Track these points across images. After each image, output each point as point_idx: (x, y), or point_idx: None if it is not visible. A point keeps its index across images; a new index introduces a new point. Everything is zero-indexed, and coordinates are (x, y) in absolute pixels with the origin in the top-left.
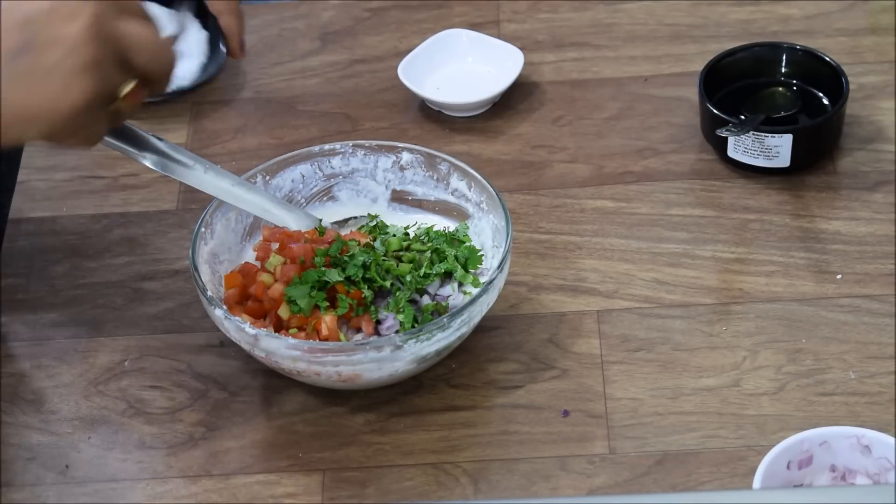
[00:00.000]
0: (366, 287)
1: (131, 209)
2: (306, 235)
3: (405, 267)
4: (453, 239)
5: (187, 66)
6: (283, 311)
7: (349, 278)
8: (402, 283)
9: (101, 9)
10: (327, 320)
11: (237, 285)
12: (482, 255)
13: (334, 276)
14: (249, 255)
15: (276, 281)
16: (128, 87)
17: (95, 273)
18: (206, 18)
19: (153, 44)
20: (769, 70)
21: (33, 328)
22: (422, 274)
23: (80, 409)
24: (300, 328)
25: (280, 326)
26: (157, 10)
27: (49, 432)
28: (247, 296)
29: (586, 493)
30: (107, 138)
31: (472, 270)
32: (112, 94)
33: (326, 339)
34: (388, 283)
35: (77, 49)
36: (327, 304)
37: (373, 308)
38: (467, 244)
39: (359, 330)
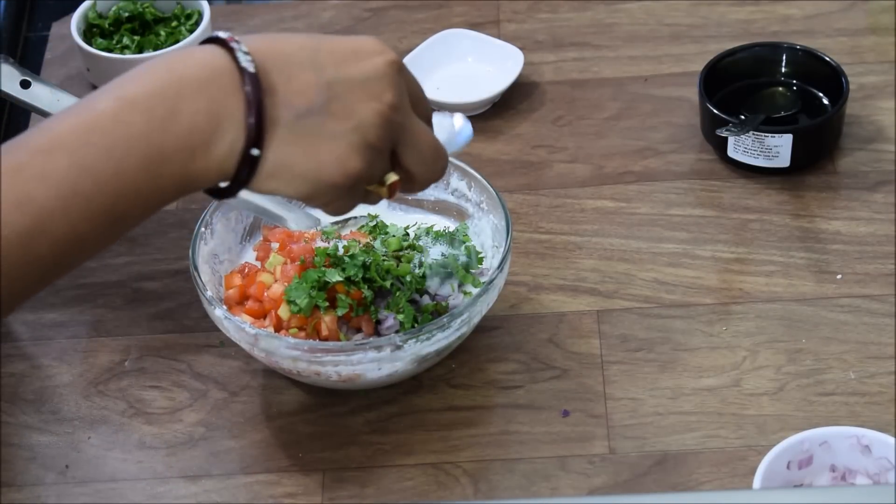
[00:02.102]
0: (366, 287)
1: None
2: (306, 235)
3: (405, 267)
4: (453, 239)
5: None
6: (283, 311)
7: (349, 278)
8: (402, 283)
9: (401, 100)
10: (327, 320)
11: (237, 285)
12: (482, 255)
13: (334, 276)
14: (249, 255)
15: (276, 281)
16: (391, 179)
17: (95, 273)
18: None
19: (428, 149)
20: (769, 70)
21: (33, 328)
22: (420, 274)
23: (80, 409)
24: (300, 328)
25: (280, 326)
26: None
27: (49, 432)
28: (247, 296)
29: (586, 493)
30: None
31: (472, 270)
32: (375, 179)
33: (326, 339)
34: (388, 284)
35: (366, 128)
36: (327, 304)
37: (373, 308)
38: (467, 244)
39: (359, 330)
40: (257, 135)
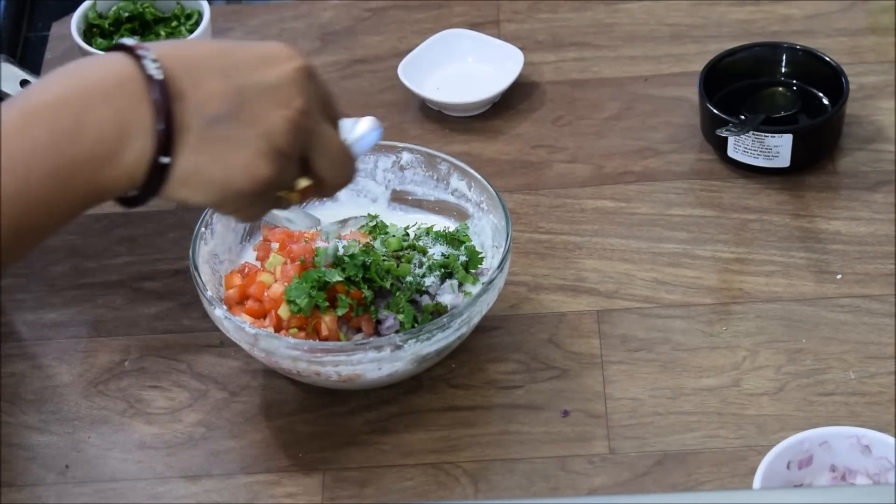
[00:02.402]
0: (366, 287)
1: (131, 209)
2: (306, 235)
3: (405, 267)
4: (453, 239)
5: None
6: (283, 311)
7: (349, 278)
8: (402, 283)
9: (310, 105)
10: (327, 320)
11: (237, 285)
12: (482, 255)
13: (334, 276)
14: (249, 255)
15: (275, 281)
16: (302, 185)
17: (95, 273)
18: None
19: (338, 154)
20: (769, 70)
21: (33, 328)
22: (421, 274)
23: (80, 409)
24: (300, 328)
25: (280, 326)
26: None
27: (49, 432)
28: (247, 296)
29: (586, 493)
30: None
31: (472, 270)
32: (285, 185)
33: (326, 339)
34: (387, 284)
35: (275, 134)
36: (327, 304)
37: (373, 308)
38: (467, 244)
39: (359, 330)
40: (166, 142)
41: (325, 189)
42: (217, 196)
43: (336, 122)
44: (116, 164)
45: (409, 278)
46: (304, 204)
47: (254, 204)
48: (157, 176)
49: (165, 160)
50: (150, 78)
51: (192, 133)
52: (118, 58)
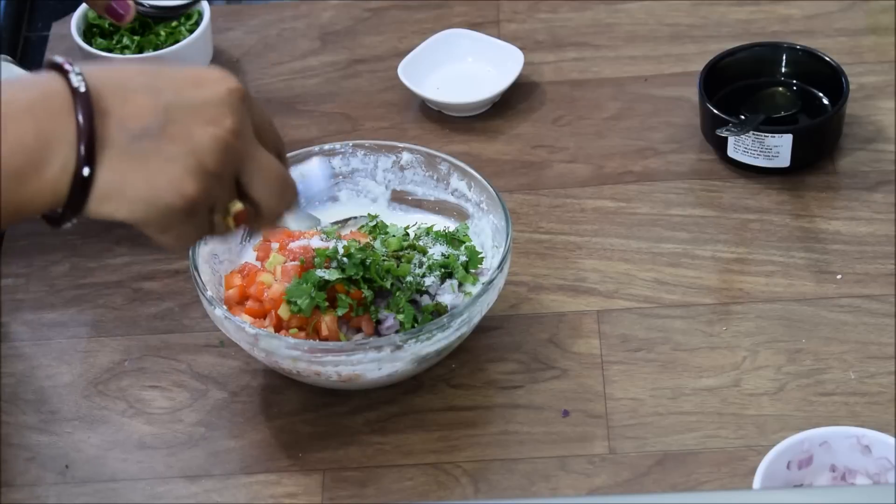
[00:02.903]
0: (366, 287)
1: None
2: (306, 235)
3: (405, 267)
4: (453, 239)
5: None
6: (283, 311)
7: (349, 278)
8: (402, 283)
9: (242, 126)
10: (327, 320)
11: (237, 285)
12: (482, 255)
13: (334, 275)
14: (249, 255)
15: (276, 281)
16: (236, 208)
17: (95, 273)
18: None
19: (274, 179)
20: (769, 70)
21: (33, 328)
22: (421, 274)
23: (80, 409)
24: (300, 328)
25: (280, 326)
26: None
27: (49, 432)
28: (247, 296)
29: (586, 493)
30: None
31: (471, 270)
32: (217, 208)
33: (326, 339)
34: (387, 284)
35: (203, 153)
36: (327, 304)
37: (373, 308)
38: (467, 244)
39: (359, 330)
40: (88, 156)
41: (261, 215)
42: (142, 213)
43: (277, 149)
44: (39, 177)
45: (409, 278)
46: (294, 212)
47: (182, 223)
48: (79, 190)
49: (87, 171)
50: (75, 91)
51: (115, 147)
52: (46, 74)
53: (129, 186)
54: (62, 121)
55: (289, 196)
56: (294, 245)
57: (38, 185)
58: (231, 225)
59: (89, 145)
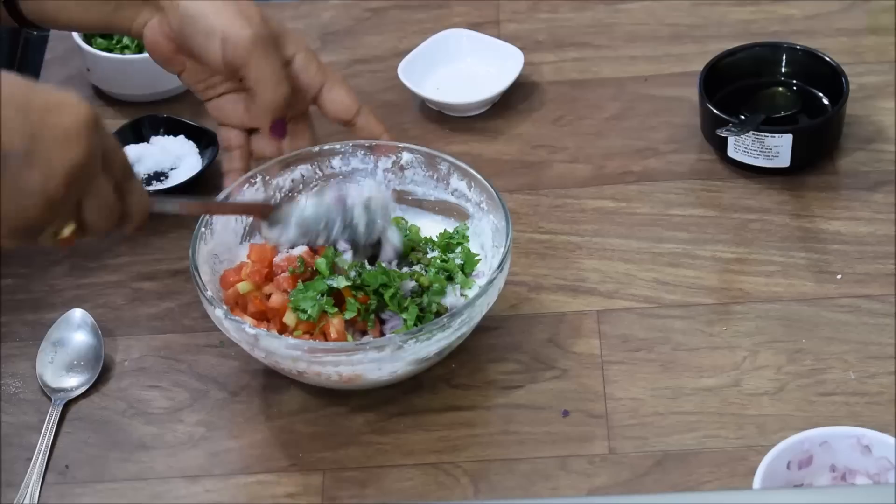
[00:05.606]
0: (372, 293)
1: None
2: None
3: (406, 273)
4: (448, 243)
5: None
6: (289, 318)
7: (356, 285)
8: (402, 285)
9: (94, 156)
10: (335, 322)
11: (234, 281)
12: (479, 258)
13: (341, 282)
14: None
15: (276, 291)
16: (65, 232)
17: (95, 273)
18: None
19: (106, 208)
20: (769, 70)
21: (33, 328)
22: (421, 275)
23: (81, 409)
24: (307, 332)
25: (285, 332)
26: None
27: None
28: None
29: (586, 493)
30: None
31: (469, 273)
32: (49, 227)
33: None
34: (389, 293)
35: (54, 181)
36: (336, 309)
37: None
38: (463, 245)
39: (364, 333)
40: None
41: (86, 232)
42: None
43: (123, 171)
44: None
45: (410, 281)
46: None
47: (12, 239)
48: None
49: None
50: None
51: None
52: None
53: None
54: None
55: (113, 221)
56: (278, 259)
57: None
58: (54, 243)
59: None
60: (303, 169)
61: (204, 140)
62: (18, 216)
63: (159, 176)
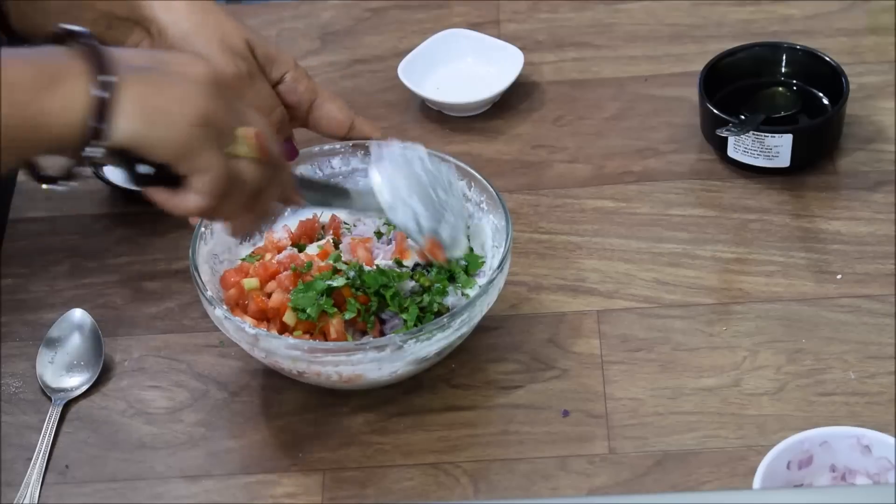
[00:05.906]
0: (372, 294)
1: (131, 209)
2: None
3: (405, 273)
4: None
5: None
6: (289, 318)
7: (355, 285)
8: (402, 286)
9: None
10: (335, 322)
11: (234, 281)
12: (482, 260)
13: (341, 282)
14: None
15: (276, 289)
16: (244, 132)
17: (95, 273)
18: None
19: (267, 110)
20: (769, 70)
21: (33, 328)
22: (421, 276)
23: (81, 409)
24: (307, 332)
25: (285, 332)
26: None
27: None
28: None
29: (586, 493)
30: None
31: (472, 274)
32: (224, 135)
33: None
34: (389, 293)
35: (202, 78)
36: (335, 309)
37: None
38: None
39: (364, 333)
40: (102, 72)
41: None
42: (163, 132)
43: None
44: (53, 93)
45: (410, 282)
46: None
47: (206, 151)
48: (98, 109)
49: (106, 79)
50: (76, 34)
51: (125, 72)
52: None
53: (146, 103)
54: (72, 55)
55: (277, 117)
56: (280, 256)
57: (51, 102)
58: (245, 151)
59: (101, 65)
60: (303, 169)
61: None
62: (188, 104)
63: None
